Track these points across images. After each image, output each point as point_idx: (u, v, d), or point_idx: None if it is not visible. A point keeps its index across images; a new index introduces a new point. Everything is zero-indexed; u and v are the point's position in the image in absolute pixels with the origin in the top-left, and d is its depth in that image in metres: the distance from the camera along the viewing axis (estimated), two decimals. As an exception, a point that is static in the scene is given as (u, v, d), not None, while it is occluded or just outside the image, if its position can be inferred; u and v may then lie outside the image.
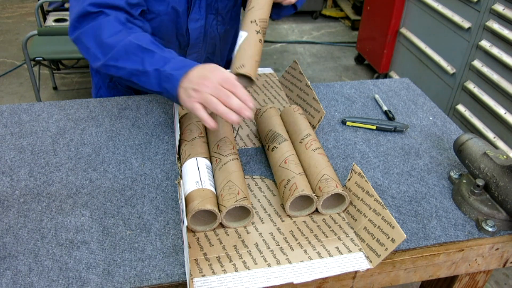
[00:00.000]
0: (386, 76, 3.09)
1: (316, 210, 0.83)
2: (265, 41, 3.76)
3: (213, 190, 0.81)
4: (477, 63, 2.13)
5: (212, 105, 0.81)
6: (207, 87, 0.81)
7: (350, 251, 0.76)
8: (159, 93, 0.89)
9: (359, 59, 3.46)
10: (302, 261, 0.74)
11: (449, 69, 2.33)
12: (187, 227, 0.75)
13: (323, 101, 1.20)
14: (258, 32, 0.95)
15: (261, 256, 0.74)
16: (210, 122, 0.83)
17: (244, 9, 1.19)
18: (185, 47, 1.17)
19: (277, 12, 1.17)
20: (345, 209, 0.84)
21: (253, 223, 0.80)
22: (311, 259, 0.74)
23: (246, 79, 0.92)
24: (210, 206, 0.75)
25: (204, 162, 0.85)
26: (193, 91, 0.82)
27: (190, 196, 0.77)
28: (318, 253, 0.75)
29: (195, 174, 0.82)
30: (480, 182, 0.84)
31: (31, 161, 0.92)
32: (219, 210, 0.77)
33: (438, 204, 0.88)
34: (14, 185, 0.86)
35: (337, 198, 0.84)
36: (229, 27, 1.23)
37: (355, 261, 0.75)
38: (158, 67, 0.85)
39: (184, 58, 0.90)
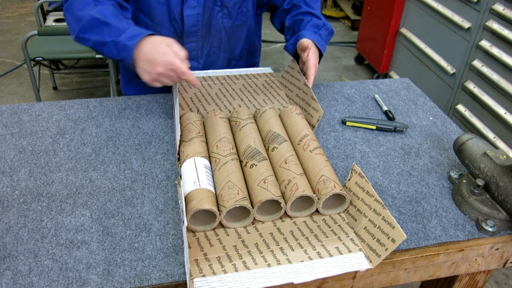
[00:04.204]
0: (386, 76, 3.09)
1: (317, 210, 0.83)
2: (265, 41, 3.77)
3: (212, 189, 0.81)
4: (477, 63, 2.13)
5: (164, 83, 0.96)
6: (159, 74, 0.92)
7: (350, 251, 0.76)
8: (121, 62, 1.00)
9: (359, 59, 3.46)
10: (302, 261, 0.74)
11: (449, 69, 2.33)
12: (187, 227, 0.75)
13: (323, 101, 1.20)
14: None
15: (261, 256, 0.74)
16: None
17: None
18: (180, 34, 1.16)
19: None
20: (345, 209, 0.84)
21: (253, 223, 0.80)
22: (311, 259, 0.74)
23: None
24: (208, 206, 0.75)
25: (202, 162, 0.85)
26: (147, 73, 0.93)
27: (189, 197, 0.77)
28: (318, 253, 0.75)
29: (193, 174, 0.82)
30: (480, 182, 0.84)
31: (31, 161, 0.92)
32: (219, 210, 0.77)
33: (438, 204, 0.88)
34: (14, 185, 0.86)
35: (338, 198, 0.84)
36: (239, 22, 1.22)
37: (355, 261, 0.75)
38: (114, 38, 0.95)
39: (137, 27, 0.97)
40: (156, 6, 1.09)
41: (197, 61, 1.23)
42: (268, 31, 3.77)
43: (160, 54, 0.91)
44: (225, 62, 1.29)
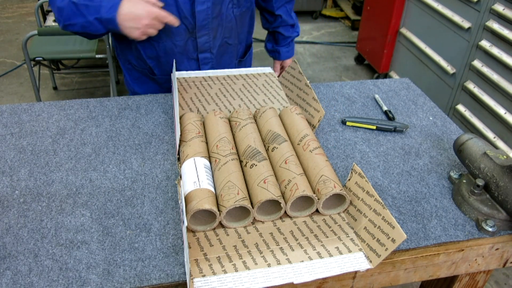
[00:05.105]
0: (386, 76, 3.09)
1: (317, 210, 0.83)
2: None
3: (212, 189, 0.81)
4: (477, 63, 2.13)
5: (150, 34, 1.07)
6: (146, 25, 1.04)
7: (350, 251, 0.76)
8: (107, 33, 1.10)
9: (359, 59, 3.46)
10: (302, 261, 0.74)
11: (449, 69, 2.33)
12: (187, 227, 0.75)
13: (323, 101, 1.20)
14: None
15: (261, 256, 0.74)
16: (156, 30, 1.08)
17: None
18: (192, 30, 1.19)
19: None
20: (345, 209, 0.84)
21: (253, 223, 0.80)
22: (311, 259, 0.74)
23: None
24: (208, 206, 0.75)
25: (202, 162, 0.85)
26: (135, 29, 1.04)
27: (189, 197, 0.77)
28: (318, 253, 0.75)
29: (193, 174, 0.82)
30: (480, 182, 0.84)
31: (31, 161, 0.92)
32: (219, 211, 0.77)
33: (438, 204, 0.88)
34: (14, 185, 0.86)
35: (338, 198, 0.84)
36: (245, 9, 1.26)
37: (355, 261, 0.75)
38: (96, 16, 1.04)
39: None
40: (165, 8, 1.12)
41: (210, 52, 1.25)
42: (268, 31, 3.77)
43: (140, 8, 1.03)
44: (235, 49, 1.32)
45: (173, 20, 1.07)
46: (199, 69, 1.27)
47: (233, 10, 1.22)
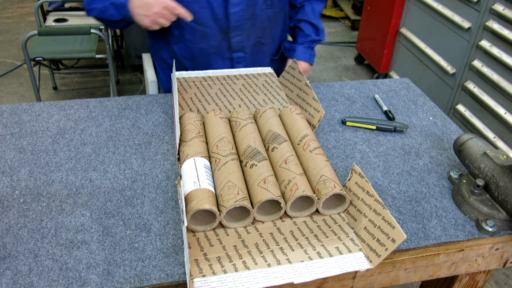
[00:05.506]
0: (386, 76, 3.09)
1: (317, 210, 0.83)
2: (265, 41, 3.77)
3: (212, 189, 0.81)
4: (477, 63, 2.13)
5: (161, 24, 1.08)
6: (156, 14, 1.05)
7: (350, 251, 0.76)
8: (125, 21, 1.12)
9: (359, 59, 3.46)
10: (302, 261, 0.74)
11: (449, 69, 2.33)
12: (187, 227, 0.75)
13: (323, 101, 1.20)
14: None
15: (261, 256, 0.74)
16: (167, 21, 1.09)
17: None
18: (226, 30, 1.20)
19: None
20: (345, 209, 0.84)
21: (253, 223, 0.80)
22: (311, 259, 0.74)
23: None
24: (208, 206, 0.75)
25: (202, 162, 0.85)
26: (145, 16, 1.06)
27: (189, 197, 0.77)
28: (318, 253, 0.75)
29: (193, 174, 0.82)
30: (480, 182, 0.84)
31: (31, 161, 0.92)
32: (219, 211, 0.77)
33: (438, 204, 0.88)
34: (14, 185, 0.86)
35: (338, 198, 0.84)
36: (278, 9, 1.28)
37: (355, 261, 0.75)
38: (111, 1, 1.09)
39: None
40: (199, 11, 1.14)
41: (244, 51, 1.27)
42: (268, 31, 3.77)
43: None
44: (268, 47, 1.33)
45: (184, 13, 1.07)
46: (233, 67, 1.29)
47: (267, 11, 1.23)
